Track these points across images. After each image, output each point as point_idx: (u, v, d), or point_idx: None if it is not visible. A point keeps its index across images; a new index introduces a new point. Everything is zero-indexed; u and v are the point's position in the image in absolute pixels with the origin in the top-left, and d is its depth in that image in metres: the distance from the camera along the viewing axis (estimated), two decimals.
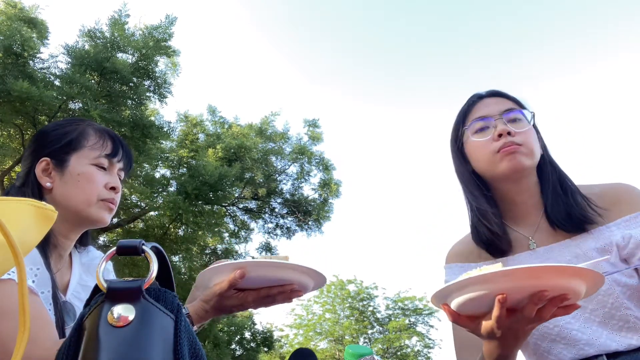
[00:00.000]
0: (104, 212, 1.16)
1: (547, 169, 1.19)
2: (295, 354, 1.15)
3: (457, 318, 0.83)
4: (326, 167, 10.86)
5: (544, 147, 1.21)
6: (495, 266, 0.75)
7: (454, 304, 0.81)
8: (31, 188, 1.13)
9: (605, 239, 1.09)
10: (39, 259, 1.02)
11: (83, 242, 1.26)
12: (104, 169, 1.18)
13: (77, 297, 1.15)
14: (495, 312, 0.76)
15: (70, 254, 1.21)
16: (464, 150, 1.24)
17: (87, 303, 0.54)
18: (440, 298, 0.82)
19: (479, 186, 1.21)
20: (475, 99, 1.25)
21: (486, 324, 0.80)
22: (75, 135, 1.18)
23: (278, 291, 1.01)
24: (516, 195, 1.18)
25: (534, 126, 1.20)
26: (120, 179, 1.23)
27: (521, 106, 1.22)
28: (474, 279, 0.74)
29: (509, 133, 1.12)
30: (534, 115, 1.20)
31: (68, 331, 1.04)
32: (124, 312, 0.48)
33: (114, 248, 0.54)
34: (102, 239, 9.38)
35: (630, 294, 1.05)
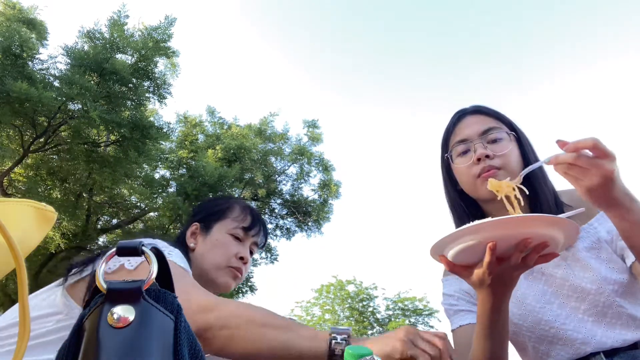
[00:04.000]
0: (229, 279, 1.28)
1: (539, 186, 1.15)
2: None
3: (453, 267, 0.90)
4: (326, 167, 10.86)
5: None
6: (487, 219, 0.83)
7: (450, 254, 0.88)
8: (180, 245, 1.26)
9: (592, 237, 1.10)
10: None
11: None
12: (239, 239, 1.31)
13: None
14: (486, 259, 0.83)
15: None
16: (450, 170, 1.24)
17: (87, 304, 0.54)
18: (438, 250, 0.89)
19: (464, 209, 1.23)
20: (460, 116, 1.23)
21: (478, 272, 0.88)
22: (224, 207, 1.36)
23: None
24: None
25: (523, 143, 1.17)
26: (251, 253, 1.36)
27: (503, 122, 1.19)
28: (467, 229, 0.81)
29: (487, 156, 1.11)
30: (516, 136, 1.17)
31: None
32: (123, 313, 0.48)
33: (114, 249, 0.54)
34: (102, 239, 9.38)
35: (622, 292, 1.06)
